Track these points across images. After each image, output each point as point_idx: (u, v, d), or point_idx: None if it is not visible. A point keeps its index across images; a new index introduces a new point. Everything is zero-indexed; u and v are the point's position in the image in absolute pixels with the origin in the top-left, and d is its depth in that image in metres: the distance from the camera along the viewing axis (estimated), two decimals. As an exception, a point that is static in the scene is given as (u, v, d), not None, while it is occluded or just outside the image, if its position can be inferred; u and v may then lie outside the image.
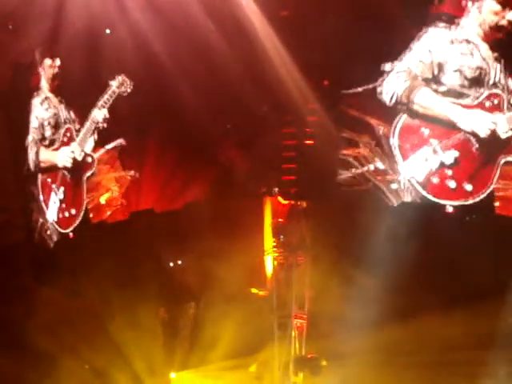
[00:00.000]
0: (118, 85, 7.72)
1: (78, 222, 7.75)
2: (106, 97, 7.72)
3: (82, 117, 7.76)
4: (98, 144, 8.43)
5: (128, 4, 8.18)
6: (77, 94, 8.34)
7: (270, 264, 7.18)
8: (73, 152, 7.78)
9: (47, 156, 7.86)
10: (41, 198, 8.03)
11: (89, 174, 7.85)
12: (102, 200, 8.31)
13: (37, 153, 7.88)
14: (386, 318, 6.71)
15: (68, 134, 7.84)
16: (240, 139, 8.10)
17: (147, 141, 8.28)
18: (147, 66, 7.58)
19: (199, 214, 7.27)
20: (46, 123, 7.89)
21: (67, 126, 7.88)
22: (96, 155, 7.80)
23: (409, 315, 6.74)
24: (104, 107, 7.71)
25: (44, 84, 7.83)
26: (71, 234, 7.84)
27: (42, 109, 7.88)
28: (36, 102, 7.88)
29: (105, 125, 7.76)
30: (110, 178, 8.40)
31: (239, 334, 6.94)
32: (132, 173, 8.27)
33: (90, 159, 7.82)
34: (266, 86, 7.72)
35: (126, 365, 7.14)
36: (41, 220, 8.22)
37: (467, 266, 6.40)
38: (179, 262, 7.44)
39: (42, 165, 7.89)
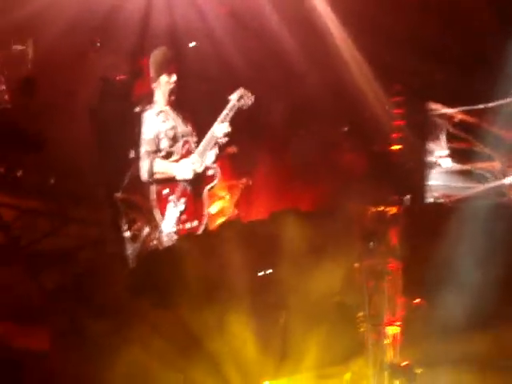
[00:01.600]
0: (238, 98, 7.77)
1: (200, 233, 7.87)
2: (225, 111, 7.76)
3: (200, 130, 7.88)
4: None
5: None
6: (195, 108, 8.47)
7: (360, 271, 7.13)
8: (193, 164, 7.81)
9: (165, 167, 7.93)
10: (154, 208, 8.01)
11: (210, 186, 7.87)
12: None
13: (151, 163, 7.90)
14: (480, 325, 6.61)
15: (186, 147, 7.91)
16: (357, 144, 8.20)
17: (260, 148, 8.38)
18: (259, 73, 7.60)
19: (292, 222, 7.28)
20: (162, 135, 7.97)
21: (185, 138, 7.93)
22: (216, 167, 7.84)
23: (503, 322, 6.64)
24: (224, 122, 7.75)
25: (159, 98, 7.90)
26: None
27: (158, 121, 7.95)
28: (149, 114, 7.96)
29: (225, 139, 7.80)
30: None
31: (331, 343, 6.91)
32: (244, 180, 8.38)
33: (211, 172, 7.86)
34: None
35: (219, 374, 7.17)
36: (146, 229, 8.30)
37: None
38: (270, 271, 7.43)
39: (158, 176, 7.90)
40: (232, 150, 9.00)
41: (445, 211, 7.48)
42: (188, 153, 7.94)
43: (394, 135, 8.73)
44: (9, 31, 8.85)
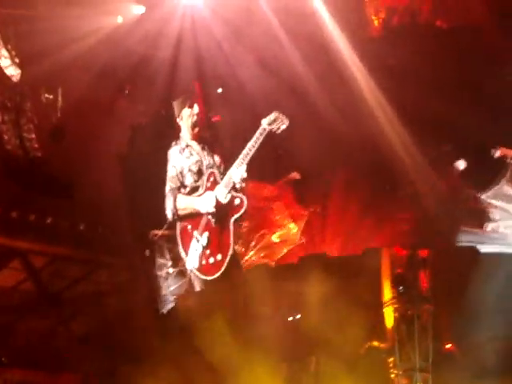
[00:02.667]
0: (270, 122, 7.65)
1: (224, 267, 7.33)
2: (256, 135, 7.62)
3: (229, 159, 7.56)
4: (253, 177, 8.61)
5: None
6: (221, 138, 8.43)
7: (390, 316, 7.08)
8: (216, 196, 7.73)
9: (188, 203, 7.65)
10: (179, 245, 7.95)
11: (237, 216, 7.75)
12: (275, 238, 8.31)
13: (174, 200, 7.84)
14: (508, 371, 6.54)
15: (212, 179, 7.70)
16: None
17: (330, 175, 8.29)
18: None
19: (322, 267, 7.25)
20: (186, 171, 7.79)
21: (210, 170, 7.80)
22: (245, 199, 7.68)
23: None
24: (254, 147, 7.62)
25: (184, 133, 7.85)
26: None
27: (183, 157, 7.77)
28: (173, 151, 7.84)
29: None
30: (284, 215, 8.42)
31: (363, 389, 6.85)
32: (311, 209, 8.28)
33: (238, 201, 7.65)
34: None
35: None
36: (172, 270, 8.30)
37: None
38: (298, 316, 7.40)
39: (181, 212, 7.60)
40: (294, 176, 8.93)
41: (476, 256, 7.40)
42: (214, 185, 7.80)
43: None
44: (39, 80, 8.98)
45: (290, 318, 7.40)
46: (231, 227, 7.40)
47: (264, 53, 9.07)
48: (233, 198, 7.47)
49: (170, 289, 8.97)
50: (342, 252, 8.35)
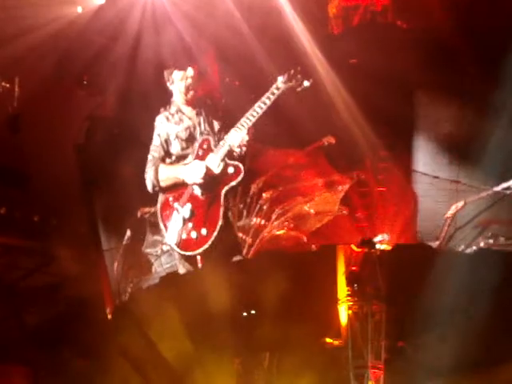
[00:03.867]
0: (285, 80, 7.11)
1: (208, 244, 6.88)
2: (264, 97, 7.05)
3: (229, 124, 7.07)
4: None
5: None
6: (224, 100, 8.10)
7: (344, 314, 7.09)
8: (207, 165, 7.07)
9: (171, 172, 7.02)
10: (159, 221, 7.18)
11: (230, 186, 6.91)
12: (308, 208, 8.03)
13: (156, 171, 7.07)
14: (464, 368, 6.58)
15: (205, 146, 7.02)
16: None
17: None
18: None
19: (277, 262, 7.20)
20: (172, 137, 7.10)
21: (204, 137, 7.07)
22: (241, 166, 6.91)
23: (489, 366, 6.61)
24: (261, 108, 6.89)
25: (177, 98, 7.35)
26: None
27: (171, 124, 7.09)
28: (160, 118, 7.22)
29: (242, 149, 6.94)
30: (317, 184, 8.16)
31: (316, 385, 6.87)
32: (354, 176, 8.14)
33: (231, 169, 6.87)
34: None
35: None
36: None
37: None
38: (253, 312, 7.37)
39: (163, 183, 7.01)
40: (328, 140, 8.55)
41: (431, 253, 7.44)
42: (207, 152, 7.20)
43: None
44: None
45: (245, 314, 7.35)
46: (222, 199, 6.96)
47: (225, 46, 9.04)
48: (226, 166, 6.91)
49: (163, 267, 8.65)
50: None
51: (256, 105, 6.92)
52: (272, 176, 8.48)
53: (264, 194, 8.59)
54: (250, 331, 7.13)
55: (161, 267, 8.70)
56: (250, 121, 6.84)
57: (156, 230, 8.39)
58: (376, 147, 8.60)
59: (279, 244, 8.50)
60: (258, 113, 6.89)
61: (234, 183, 6.86)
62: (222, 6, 8.88)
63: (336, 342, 7.14)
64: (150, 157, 7.12)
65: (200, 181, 6.83)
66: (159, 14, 9.22)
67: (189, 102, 7.15)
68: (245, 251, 8.16)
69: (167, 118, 7.13)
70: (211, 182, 6.86)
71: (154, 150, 7.10)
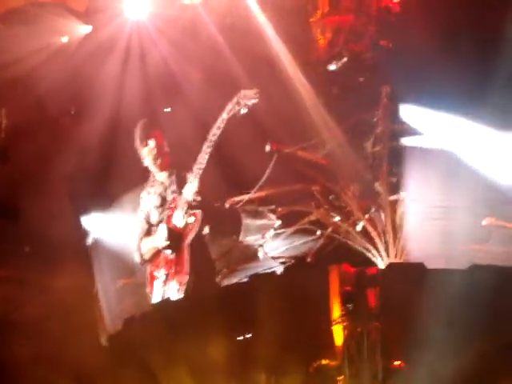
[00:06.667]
0: (233, 105, 7.13)
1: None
2: (215, 128, 7.09)
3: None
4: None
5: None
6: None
7: (339, 334, 7.05)
8: (173, 225, 7.19)
9: (148, 244, 7.32)
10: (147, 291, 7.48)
11: (190, 237, 7.13)
12: None
13: (139, 247, 7.36)
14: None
15: (173, 205, 7.26)
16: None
17: None
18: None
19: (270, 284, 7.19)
20: (152, 208, 7.38)
21: (172, 196, 7.30)
22: (199, 213, 7.11)
23: (488, 381, 6.57)
24: (209, 148, 7.04)
25: (152, 169, 7.47)
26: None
27: (150, 197, 7.43)
28: (142, 196, 7.50)
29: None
30: None
31: (311, 409, 6.80)
32: None
33: (191, 219, 7.09)
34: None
35: None
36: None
37: None
38: (248, 335, 7.33)
39: (146, 256, 7.33)
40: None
41: (424, 272, 7.43)
42: (175, 208, 7.38)
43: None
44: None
45: (240, 338, 7.32)
46: (186, 253, 7.12)
47: (210, 70, 9.08)
48: (188, 217, 7.16)
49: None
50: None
51: (205, 146, 7.07)
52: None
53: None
54: (245, 355, 7.09)
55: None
56: (198, 171, 6.98)
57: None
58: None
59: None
60: (203, 162, 7.04)
61: (193, 232, 7.05)
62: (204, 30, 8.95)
63: (332, 364, 7.10)
64: (137, 232, 7.35)
65: (166, 243, 7.03)
66: (145, 41, 9.27)
67: (161, 168, 7.33)
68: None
69: (148, 192, 7.34)
70: (177, 239, 7.05)
71: (139, 226, 7.34)
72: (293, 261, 9.39)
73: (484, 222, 8.71)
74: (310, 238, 9.52)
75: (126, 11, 9.35)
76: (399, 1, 9.20)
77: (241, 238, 9.15)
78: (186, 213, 7.04)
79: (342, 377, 6.84)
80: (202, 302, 6.89)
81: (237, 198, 9.03)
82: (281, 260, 9.46)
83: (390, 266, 7.73)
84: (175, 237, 7.05)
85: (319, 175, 9.51)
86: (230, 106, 7.04)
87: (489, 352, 6.58)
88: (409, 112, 8.99)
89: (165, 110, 9.69)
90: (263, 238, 9.45)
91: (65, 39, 9.43)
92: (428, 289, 6.68)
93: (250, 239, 9.47)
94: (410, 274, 7.09)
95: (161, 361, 6.91)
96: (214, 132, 7.01)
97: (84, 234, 9.50)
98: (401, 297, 6.89)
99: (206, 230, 7.17)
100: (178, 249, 7.08)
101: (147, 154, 7.30)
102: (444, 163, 8.82)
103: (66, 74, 9.28)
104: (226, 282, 8.98)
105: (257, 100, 7.01)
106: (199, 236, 7.19)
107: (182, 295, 7.10)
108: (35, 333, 8.70)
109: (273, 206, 9.49)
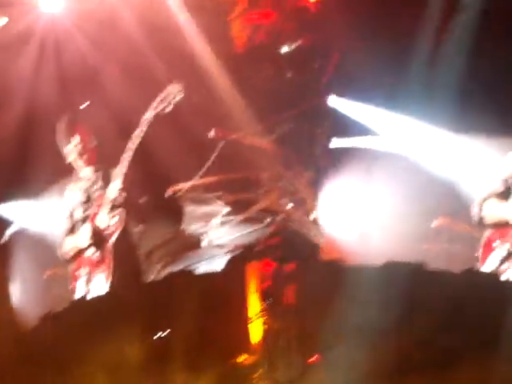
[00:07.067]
0: (157, 103, 7.06)
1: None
2: (140, 125, 7.01)
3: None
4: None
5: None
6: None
7: (258, 329, 7.06)
8: (92, 226, 7.09)
9: (70, 243, 7.24)
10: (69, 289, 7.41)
11: (113, 239, 7.09)
12: None
13: (61, 245, 7.28)
14: (380, 379, 6.60)
15: (98, 203, 7.24)
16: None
17: None
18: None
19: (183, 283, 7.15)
20: (76, 204, 7.28)
21: (98, 193, 7.25)
22: (123, 213, 7.07)
23: (406, 373, 6.66)
24: (132, 147, 6.98)
25: (77, 164, 7.32)
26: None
27: (74, 193, 7.32)
28: (67, 192, 7.38)
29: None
30: None
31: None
32: None
33: (114, 220, 7.05)
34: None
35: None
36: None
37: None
38: (166, 333, 7.28)
39: (68, 255, 7.24)
40: None
41: (340, 267, 7.48)
42: (101, 206, 7.30)
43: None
44: None
45: (156, 336, 7.26)
46: (109, 252, 7.03)
47: (128, 65, 9.00)
48: (112, 217, 7.08)
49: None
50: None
51: (129, 143, 7.05)
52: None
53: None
54: (162, 353, 7.03)
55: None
56: (122, 168, 6.91)
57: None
58: None
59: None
60: (130, 153, 6.97)
61: (117, 232, 7.00)
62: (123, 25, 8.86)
63: (250, 360, 7.10)
64: (62, 230, 7.24)
65: (88, 242, 6.95)
66: (61, 35, 9.13)
67: (87, 163, 7.22)
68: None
69: (71, 189, 7.22)
70: (100, 239, 6.99)
71: (63, 224, 7.22)
72: (240, 250, 9.27)
73: (434, 223, 8.85)
74: (259, 226, 9.40)
75: (41, 5, 9.19)
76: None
77: (183, 226, 9.13)
78: (109, 212, 6.97)
79: (258, 373, 6.85)
80: (121, 300, 6.82)
81: (177, 187, 8.93)
82: (226, 249, 9.33)
83: (308, 261, 7.76)
84: (99, 236, 7.02)
85: (268, 161, 9.35)
86: (154, 104, 6.98)
87: (404, 346, 6.67)
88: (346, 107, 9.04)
89: (83, 104, 9.54)
90: (207, 225, 9.33)
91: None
92: (345, 285, 6.73)
93: (194, 227, 9.37)
94: (328, 270, 7.14)
95: (74, 359, 6.80)
96: (140, 130, 6.93)
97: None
98: (318, 292, 6.93)
99: (136, 227, 7.14)
100: (102, 248, 7.03)
101: (71, 149, 7.19)
102: (390, 163, 8.91)
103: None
104: (168, 271, 8.92)
105: (182, 96, 6.96)
106: (125, 234, 7.14)
107: (104, 294, 7.02)
108: None
109: (219, 193, 9.38)
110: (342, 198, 9.25)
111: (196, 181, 9.04)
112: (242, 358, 7.05)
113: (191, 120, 8.59)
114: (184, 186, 9.06)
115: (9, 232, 9.64)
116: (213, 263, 9.16)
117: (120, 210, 7.06)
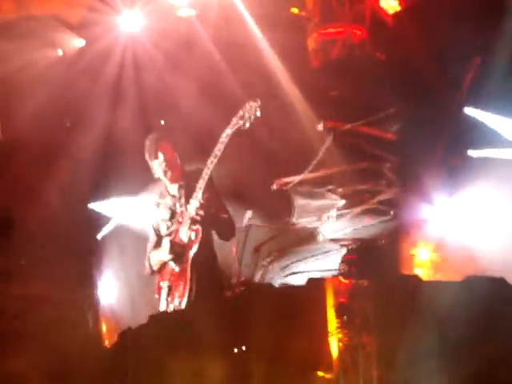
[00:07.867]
0: (236, 120, 7.08)
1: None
2: (219, 143, 7.11)
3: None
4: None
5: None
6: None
7: (334, 346, 7.04)
8: (172, 240, 7.34)
9: (158, 256, 7.48)
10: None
11: (192, 252, 7.28)
12: None
13: (148, 259, 7.56)
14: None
15: (180, 219, 7.41)
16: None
17: None
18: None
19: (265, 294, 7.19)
20: (160, 221, 7.54)
21: (181, 209, 7.41)
22: (200, 228, 7.20)
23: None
24: (212, 163, 7.04)
25: (164, 180, 7.56)
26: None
27: (159, 209, 7.58)
28: (152, 208, 7.62)
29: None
30: None
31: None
32: None
33: (193, 235, 7.25)
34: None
35: None
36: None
37: None
38: (243, 348, 7.32)
39: (155, 268, 7.50)
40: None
41: (418, 283, 7.41)
42: (180, 225, 7.53)
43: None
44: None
45: (236, 350, 7.31)
46: (188, 267, 7.23)
47: (205, 83, 9.10)
48: (191, 231, 7.29)
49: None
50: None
51: (208, 161, 7.09)
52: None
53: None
54: (240, 368, 7.08)
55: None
56: (201, 186, 7.05)
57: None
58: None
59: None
60: (209, 169, 7.08)
61: (195, 247, 7.12)
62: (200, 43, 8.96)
63: (328, 376, 7.08)
64: (148, 246, 7.49)
65: (170, 256, 7.16)
66: (140, 54, 9.29)
67: (172, 180, 7.43)
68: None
69: (158, 204, 7.47)
70: (180, 253, 7.18)
71: (149, 240, 7.48)
72: (358, 243, 9.05)
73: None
74: (381, 218, 9.26)
75: (120, 24, 9.36)
76: (394, 13, 9.19)
77: (294, 220, 9.17)
78: (189, 228, 7.17)
79: (337, 389, 6.85)
80: (200, 313, 6.91)
81: (286, 180, 8.94)
82: (343, 242, 9.19)
83: (383, 278, 7.69)
84: (178, 251, 7.25)
85: (388, 152, 9.19)
86: (234, 121, 7.06)
87: (484, 363, 6.58)
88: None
89: (161, 122, 9.70)
90: (320, 219, 9.25)
91: (59, 52, 9.43)
92: (424, 300, 6.68)
93: (305, 221, 9.34)
94: (404, 286, 7.08)
95: (154, 372, 6.92)
96: (219, 147, 7.04)
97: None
98: (396, 308, 6.89)
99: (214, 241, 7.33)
100: (182, 262, 7.24)
101: (157, 166, 7.40)
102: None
103: (60, 87, 9.27)
104: (275, 265, 9.04)
105: (259, 113, 7.01)
106: (204, 248, 7.31)
107: (182, 307, 7.22)
108: (30, 347, 8.70)
109: (331, 186, 9.25)
110: (472, 204, 8.86)
111: (306, 175, 8.95)
112: (322, 374, 7.06)
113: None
114: (293, 179, 9.00)
115: (107, 227, 9.88)
116: (327, 258, 9.10)
117: (198, 226, 7.24)
